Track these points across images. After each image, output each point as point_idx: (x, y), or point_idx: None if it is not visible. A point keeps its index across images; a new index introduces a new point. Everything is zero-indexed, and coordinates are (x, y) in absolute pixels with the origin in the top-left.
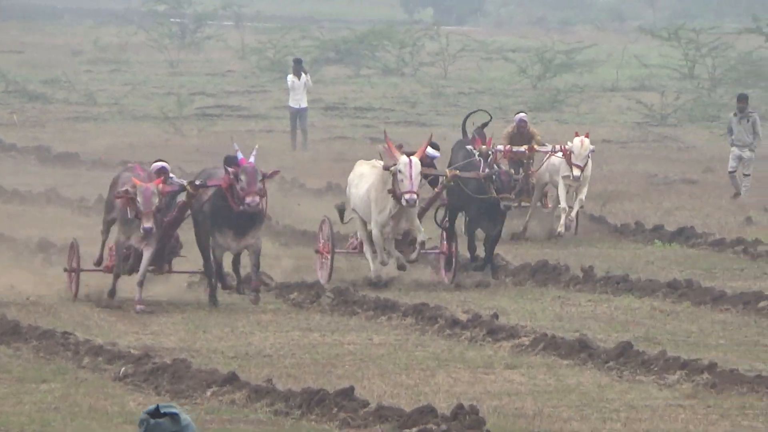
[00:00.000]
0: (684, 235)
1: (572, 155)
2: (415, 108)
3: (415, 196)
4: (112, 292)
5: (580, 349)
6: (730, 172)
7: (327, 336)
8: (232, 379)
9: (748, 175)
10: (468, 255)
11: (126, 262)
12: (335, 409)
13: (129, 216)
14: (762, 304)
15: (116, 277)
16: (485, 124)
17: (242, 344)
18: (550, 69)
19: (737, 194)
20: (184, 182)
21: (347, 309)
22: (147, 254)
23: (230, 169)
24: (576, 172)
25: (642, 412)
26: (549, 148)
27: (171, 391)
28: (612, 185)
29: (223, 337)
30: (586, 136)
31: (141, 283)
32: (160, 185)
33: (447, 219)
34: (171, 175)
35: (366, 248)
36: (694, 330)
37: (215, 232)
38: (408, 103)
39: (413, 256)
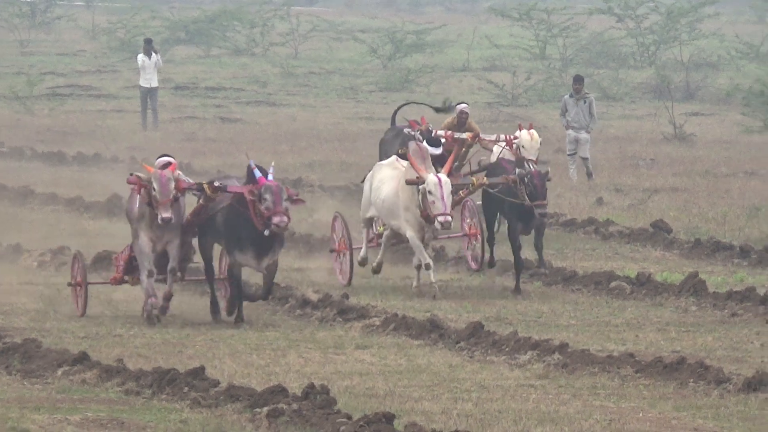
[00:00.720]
0: None
1: (522, 149)
2: (265, 88)
3: (450, 218)
4: (165, 309)
5: (431, 330)
6: (568, 155)
7: (177, 316)
8: (82, 359)
9: (587, 158)
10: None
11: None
12: (186, 389)
13: (139, 208)
14: (613, 284)
15: (147, 291)
16: (401, 107)
17: (93, 324)
18: (400, 49)
19: (589, 174)
20: (203, 182)
21: (198, 289)
22: (174, 246)
23: (250, 188)
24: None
25: (493, 392)
26: (493, 136)
27: (22, 371)
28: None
29: (74, 317)
30: (530, 128)
31: (173, 271)
32: (176, 172)
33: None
34: (178, 171)
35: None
36: (545, 310)
37: (234, 249)
38: (258, 83)
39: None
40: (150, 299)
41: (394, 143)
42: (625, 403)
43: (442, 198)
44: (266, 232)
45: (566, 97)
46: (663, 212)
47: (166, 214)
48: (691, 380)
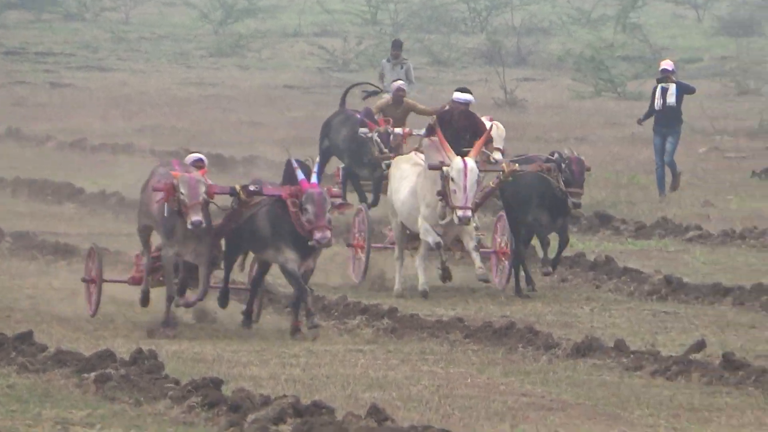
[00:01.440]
0: None
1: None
2: (96, 53)
3: (469, 213)
4: (169, 321)
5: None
6: None
7: (6, 280)
8: None
9: None
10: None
11: (175, 276)
12: (14, 354)
13: (167, 214)
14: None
15: (170, 300)
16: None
17: None
18: (231, 14)
19: None
20: (236, 186)
21: (27, 254)
22: (204, 268)
23: (291, 194)
24: (497, 155)
25: (322, 357)
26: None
27: None
28: (295, 131)
29: None
30: (491, 120)
31: (203, 294)
32: (205, 177)
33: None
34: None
35: (397, 255)
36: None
37: (283, 250)
38: (89, 48)
39: (478, 271)
40: (167, 330)
41: (340, 130)
42: (453, 369)
43: (465, 188)
44: (310, 242)
45: (384, 61)
46: None
47: (196, 217)
48: (520, 345)
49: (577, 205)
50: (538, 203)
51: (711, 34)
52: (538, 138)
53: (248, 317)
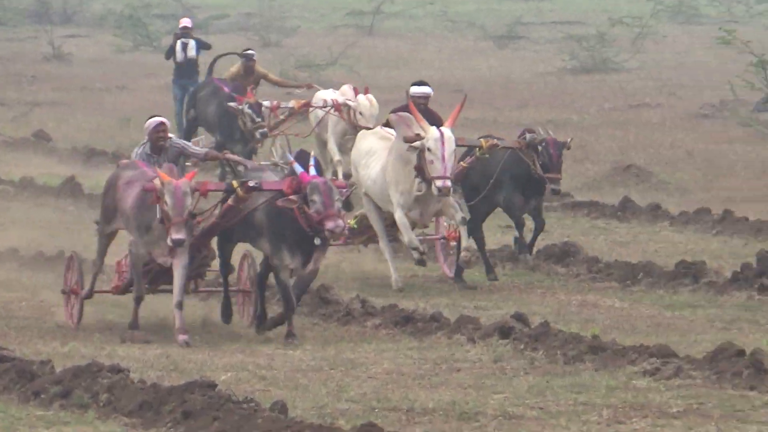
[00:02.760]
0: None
1: (359, 116)
2: None
3: (449, 183)
4: (135, 324)
5: None
6: None
7: None
8: None
9: None
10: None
11: (145, 279)
12: None
13: (147, 220)
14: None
15: (138, 301)
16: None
17: None
18: None
19: None
20: (233, 182)
21: None
22: (180, 269)
23: (292, 187)
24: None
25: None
26: (292, 104)
27: None
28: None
29: None
30: (367, 92)
31: (180, 305)
32: (193, 180)
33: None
34: (171, 135)
35: (383, 245)
36: None
37: (281, 252)
38: None
39: (463, 255)
40: (134, 333)
41: (210, 101)
42: None
43: (443, 158)
44: (317, 241)
45: None
46: (44, 123)
47: (178, 236)
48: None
49: (557, 191)
50: (512, 183)
51: None
52: (84, 87)
53: (261, 320)
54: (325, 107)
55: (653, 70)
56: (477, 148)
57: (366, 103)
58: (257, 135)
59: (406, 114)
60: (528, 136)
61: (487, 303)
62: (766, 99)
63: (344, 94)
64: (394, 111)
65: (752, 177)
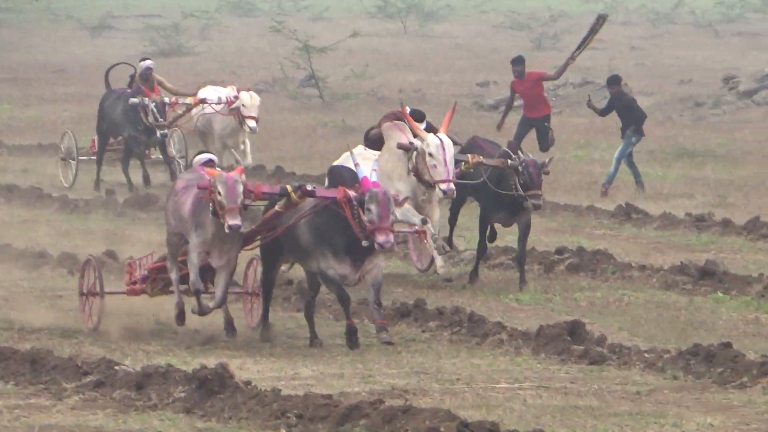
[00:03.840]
0: None
1: (243, 108)
2: None
3: (452, 186)
4: (205, 309)
5: None
6: None
7: None
8: None
9: None
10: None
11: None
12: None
13: (197, 208)
14: None
15: (197, 293)
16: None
17: None
18: None
19: None
20: (287, 186)
21: None
22: (225, 276)
23: (347, 195)
24: (252, 123)
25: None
26: (189, 100)
27: None
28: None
29: None
30: (249, 90)
31: (221, 304)
32: (242, 175)
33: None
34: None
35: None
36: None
37: (329, 259)
38: None
39: (438, 266)
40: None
41: (115, 105)
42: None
43: (445, 162)
44: (364, 243)
45: None
46: None
47: (234, 221)
48: None
49: (537, 206)
50: (495, 201)
51: None
52: None
53: (266, 324)
54: (219, 103)
55: (218, 54)
56: (462, 163)
57: (247, 97)
58: (158, 135)
59: (400, 122)
60: (510, 162)
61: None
62: (309, 77)
63: (232, 91)
64: (386, 117)
65: (299, 140)
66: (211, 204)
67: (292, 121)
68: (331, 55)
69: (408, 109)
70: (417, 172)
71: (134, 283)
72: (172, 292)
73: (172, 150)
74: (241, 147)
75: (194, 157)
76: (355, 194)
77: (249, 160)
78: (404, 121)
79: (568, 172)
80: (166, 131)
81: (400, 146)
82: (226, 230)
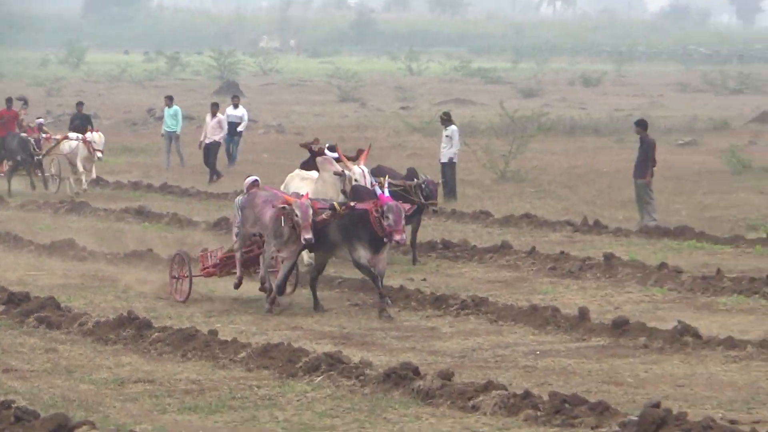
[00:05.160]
0: None
1: (94, 144)
2: None
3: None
4: (283, 288)
5: None
6: None
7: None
8: None
9: None
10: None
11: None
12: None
13: (283, 223)
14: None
15: (283, 284)
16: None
17: None
18: None
19: None
20: (335, 203)
21: None
22: (288, 264)
23: (375, 206)
24: (99, 155)
25: None
26: (73, 136)
27: None
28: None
29: None
30: (97, 131)
31: (280, 289)
32: (309, 200)
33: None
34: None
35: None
36: None
37: (359, 246)
38: None
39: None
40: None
41: (12, 142)
42: None
43: (366, 185)
44: (385, 240)
45: None
46: None
47: (308, 235)
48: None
49: (436, 211)
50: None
51: None
52: None
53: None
54: (76, 139)
55: None
56: (378, 183)
57: (97, 137)
58: (35, 160)
59: (328, 157)
60: (415, 181)
61: None
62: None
63: (88, 132)
64: (316, 155)
65: None
66: (283, 218)
67: None
68: None
69: (328, 144)
70: (346, 193)
71: (206, 268)
72: (234, 273)
73: (52, 168)
74: (91, 168)
75: (245, 178)
76: (377, 206)
77: (93, 175)
78: (334, 157)
79: None
80: (40, 158)
81: (335, 173)
82: (303, 242)
